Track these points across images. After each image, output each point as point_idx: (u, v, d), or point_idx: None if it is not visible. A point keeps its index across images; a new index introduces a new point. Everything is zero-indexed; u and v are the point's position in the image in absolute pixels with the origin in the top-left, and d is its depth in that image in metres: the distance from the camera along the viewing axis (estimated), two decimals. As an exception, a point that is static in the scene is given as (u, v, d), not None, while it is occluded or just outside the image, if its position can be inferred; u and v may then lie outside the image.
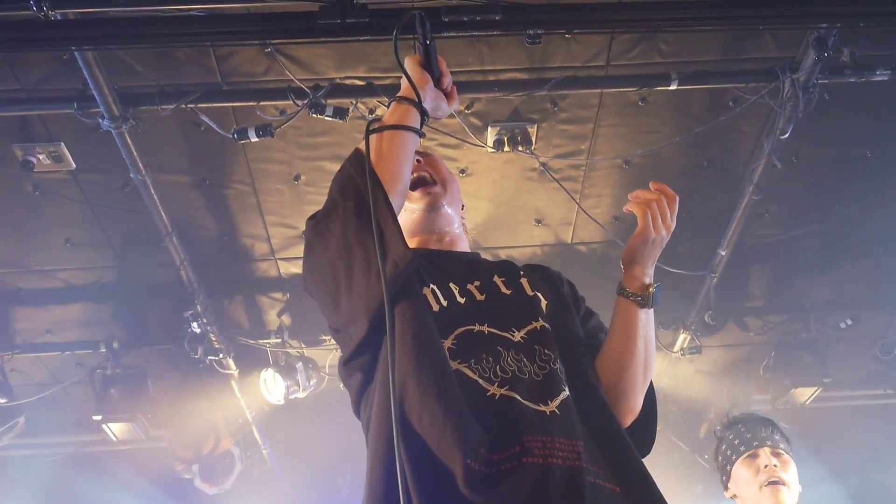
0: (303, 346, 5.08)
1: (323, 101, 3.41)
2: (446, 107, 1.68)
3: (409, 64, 1.62)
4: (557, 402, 1.36)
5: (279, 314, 4.95)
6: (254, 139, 3.50)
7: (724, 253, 4.34)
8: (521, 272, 1.65)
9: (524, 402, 1.34)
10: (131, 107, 3.43)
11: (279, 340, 5.00)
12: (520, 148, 3.78)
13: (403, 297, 1.41)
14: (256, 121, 3.55)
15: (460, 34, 3.24)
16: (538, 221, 4.30)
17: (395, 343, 1.37)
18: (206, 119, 3.52)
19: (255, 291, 4.82)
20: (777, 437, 2.76)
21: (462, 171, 4.03)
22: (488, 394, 1.35)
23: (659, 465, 1.46)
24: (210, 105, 3.51)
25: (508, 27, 3.00)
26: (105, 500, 5.82)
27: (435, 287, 1.52)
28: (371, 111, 3.63)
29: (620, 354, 1.54)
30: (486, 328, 1.46)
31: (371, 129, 1.52)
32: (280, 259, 4.57)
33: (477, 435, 1.27)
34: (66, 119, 3.56)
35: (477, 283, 1.57)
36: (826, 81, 3.47)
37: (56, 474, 5.63)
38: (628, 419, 1.57)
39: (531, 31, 3.03)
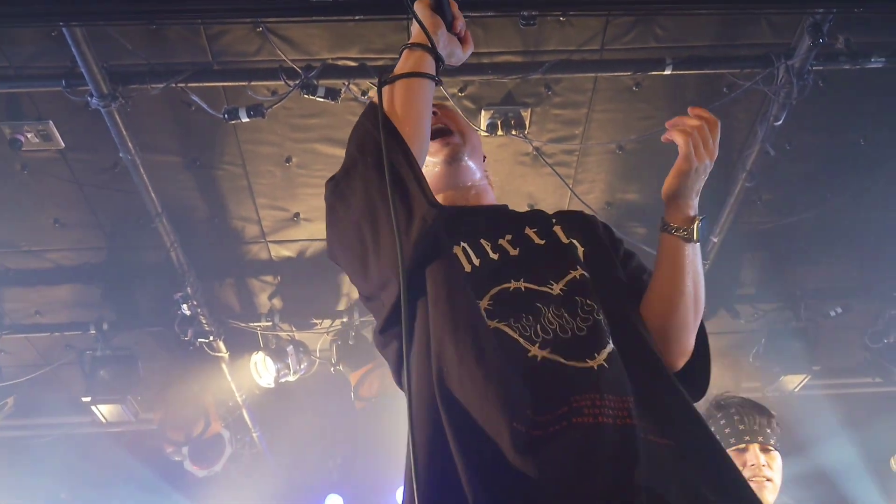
0: (293, 329, 5.08)
1: (315, 82, 3.39)
2: (461, 52, 1.59)
3: (420, 7, 1.52)
4: (604, 355, 1.29)
5: (270, 297, 4.94)
6: (244, 119, 3.47)
7: (716, 240, 4.35)
8: (554, 220, 1.57)
9: (568, 362, 1.27)
10: (121, 85, 3.39)
11: (270, 323, 4.99)
12: (513, 132, 3.76)
13: (434, 258, 1.34)
14: (247, 101, 3.51)
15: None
16: (531, 206, 4.29)
17: (429, 305, 1.30)
18: (196, 99, 3.49)
19: (246, 274, 4.80)
20: (769, 431, 2.75)
21: (455, 155, 4.00)
22: (529, 354, 1.28)
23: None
24: (201, 84, 3.47)
25: (502, 7, 2.97)
26: (95, 482, 5.83)
27: (466, 245, 1.45)
28: (364, 93, 3.60)
29: (668, 294, 1.46)
30: (522, 284, 1.38)
31: (384, 79, 1.45)
32: (271, 242, 4.55)
33: (522, 397, 1.21)
34: (54, 97, 3.52)
35: (508, 236, 1.49)
36: (821, 68, 3.46)
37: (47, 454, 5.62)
38: (680, 361, 1.49)
39: (525, 13, 3.01)
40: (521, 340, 1.29)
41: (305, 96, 3.43)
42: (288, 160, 4.00)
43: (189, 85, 3.44)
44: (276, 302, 4.99)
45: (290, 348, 4.99)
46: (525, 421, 1.19)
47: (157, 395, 5.13)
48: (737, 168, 4.01)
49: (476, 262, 1.43)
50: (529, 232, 1.52)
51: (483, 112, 3.74)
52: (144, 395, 5.02)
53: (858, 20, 3.39)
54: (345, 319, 5.04)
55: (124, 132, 3.57)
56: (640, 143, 3.99)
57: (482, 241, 1.47)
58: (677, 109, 3.98)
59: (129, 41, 3.34)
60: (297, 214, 4.36)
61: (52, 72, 3.43)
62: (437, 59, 1.49)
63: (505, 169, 4.11)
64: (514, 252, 1.46)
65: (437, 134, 1.64)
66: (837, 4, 3.14)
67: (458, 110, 1.81)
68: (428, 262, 1.33)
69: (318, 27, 3.37)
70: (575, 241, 1.51)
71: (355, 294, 4.98)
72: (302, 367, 5.06)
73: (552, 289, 1.38)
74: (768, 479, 2.59)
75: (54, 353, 5.09)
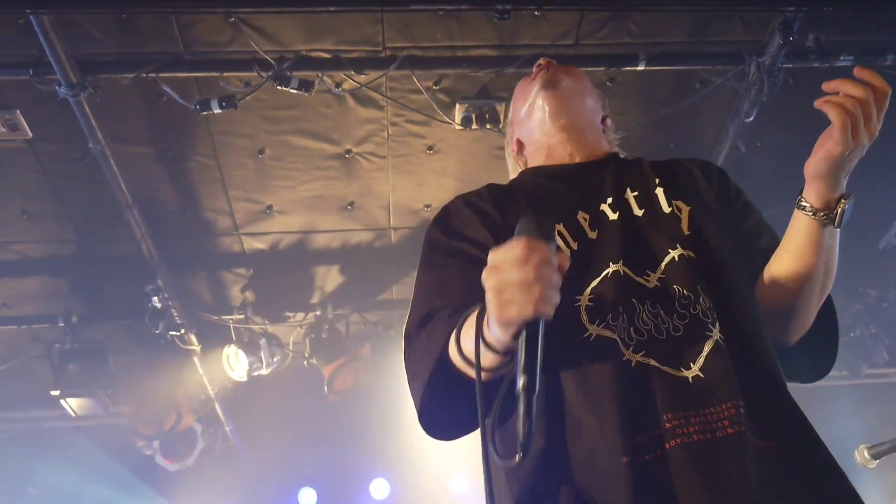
0: (266, 322, 5.05)
1: (288, 74, 3.36)
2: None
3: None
4: (702, 360, 1.19)
5: (242, 290, 4.90)
6: (217, 111, 3.43)
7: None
8: (658, 180, 1.42)
9: (662, 367, 1.18)
10: (90, 74, 3.34)
11: (242, 316, 4.96)
12: (488, 126, 3.76)
13: None
14: (220, 92, 3.47)
15: (429, 7, 3.21)
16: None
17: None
18: (167, 89, 3.44)
19: (218, 267, 4.76)
20: None
21: (429, 149, 4.00)
22: (624, 359, 1.19)
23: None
24: (172, 75, 3.43)
25: (478, 1, 2.97)
26: (65, 476, 5.76)
27: (562, 227, 1.33)
28: (338, 85, 3.58)
29: (794, 277, 1.31)
30: (621, 268, 1.28)
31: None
32: (244, 234, 4.51)
33: (619, 423, 1.15)
34: (22, 86, 3.45)
35: (609, 199, 1.38)
36: (791, 66, 3.51)
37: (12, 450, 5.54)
38: (794, 337, 1.38)
39: (500, 7, 3.01)
40: (619, 343, 1.21)
41: (279, 88, 3.39)
42: (261, 152, 3.97)
43: (160, 75, 3.40)
44: (249, 295, 4.96)
45: (262, 341, 4.96)
46: (622, 448, 1.13)
47: (128, 388, 5.06)
48: (708, 164, 4.05)
49: (574, 245, 1.33)
50: (630, 196, 1.39)
51: (458, 105, 3.73)
52: (115, 389, 4.95)
53: (828, 19, 3.43)
54: (318, 312, 5.02)
55: (93, 122, 3.51)
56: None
57: (580, 214, 1.36)
58: (650, 105, 4.03)
59: (99, 30, 3.28)
60: (270, 206, 4.32)
61: (19, 60, 3.36)
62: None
63: (480, 163, 4.12)
64: (613, 217, 1.35)
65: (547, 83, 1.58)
66: (808, 3, 3.18)
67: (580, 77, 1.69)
68: None
69: (292, 18, 3.34)
70: (678, 207, 1.37)
71: (329, 287, 4.96)
72: (275, 360, 5.03)
73: (648, 280, 1.27)
74: None
75: (22, 346, 5.01)
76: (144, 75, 3.36)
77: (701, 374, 1.18)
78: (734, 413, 1.14)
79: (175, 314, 4.68)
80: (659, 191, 1.39)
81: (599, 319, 1.23)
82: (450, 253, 1.38)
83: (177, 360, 5.07)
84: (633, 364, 1.19)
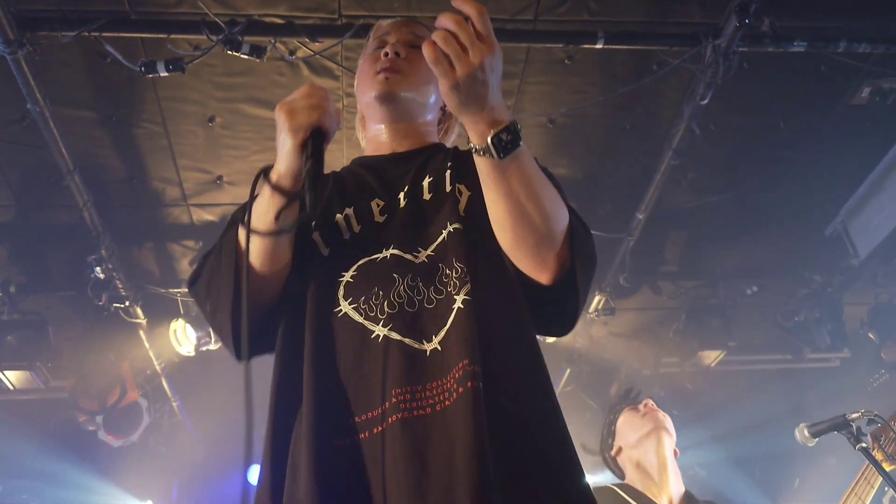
0: (216, 296, 4.93)
1: (239, 38, 3.25)
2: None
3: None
4: (443, 332, 1.23)
5: (191, 262, 4.77)
6: (163, 73, 3.30)
7: (641, 216, 4.42)
8: (450, 164, 1.44)
9: (404, 339, 1.24)
10: (29, 31, 3.18)
11: (191, 290, 4.83)
12: (444, 100, 3.71)
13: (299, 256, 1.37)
14: (167, 55, 3.35)
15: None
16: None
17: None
18: (111, 50, 3.30)
19: (166, 238, 4.63)
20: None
21: (385, 122, 3.93)
22: (373, 335, 1.25)
23: (570, 423, 1.34)
24: (117, 35, 3.28)
25: (435, -30, 2.90)
26: (1, 451, 5.58)
27: (351, 211, 1.41)
28: (291, 52, 3.48)
29: (497, 219, 1.29)
30: (391, 251, 1.34)
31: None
32: (193, 205, 4.39)
33: (338, 404, 1.22)
34: (-45, 41, 3.28)
35: (406, 188, 1.43)
36: (745, 50, 3.52)
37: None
38: (544, 277, 1.31)
39: (458, -23, 2.94)
40: (365, 323, 1.27)
41: (229, 53, 3.28)
42: (211, 120, 3.85)
43: (104, 35, 3.25)
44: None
45: (211, 316, 4.84)
46: (340, 431, 1.19)
47: (70, 362, 4.92)
48: (664, 146, 4.08)
49: (356, 228, 1.40)
50: (425, 183, 1.44)
51: (414, 78, 3.67)
52: (56, 362, 4.80)
53: (783, 4, 3.46)
54: (269, 287, 4.92)
55: (32, 82, 3.35)
56: (570, 117, 4.00)
57: (375, 201, 1.43)
58: (608, 84, 4.01)
59: (39, -16, 3.13)
60: (220, 177, 4.21)
61: (-49, 13, 3.19)
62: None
63: (436, 138, 4.06)
64: (401, 208, 1.41)
65: (381, 69, 1.55)
66: (764, -14, 3.19)
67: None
68: (300, 265, 1.36)
69: (244, -20, 3.23)
70: (460, 190, 1.39)
71: (281, 262, 4.87)
72: (224, 335, 4.92)
73: (417, 256, 1.33)
74: (665, 417, 2.78)
75: (-43, 316, 4.82)
76: (87, 34, 3.21)
77: (438, 347, 1.22)
78: (463, 374, 1.16)
79: (119, 286, 4.55)
80: (447, 174, 1.43)
81: (353, 298, 1.30)
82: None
83: (121, 333, 4.94)
84: (379, 339, 1.24)
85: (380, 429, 1.17)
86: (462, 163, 1.45)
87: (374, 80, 1.54)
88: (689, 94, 3.80)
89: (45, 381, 4.79)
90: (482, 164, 1.23)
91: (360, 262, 1.34)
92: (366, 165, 1.57)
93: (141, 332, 5.02)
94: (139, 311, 4.82)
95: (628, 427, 2.81)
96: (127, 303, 4.63)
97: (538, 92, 3.87)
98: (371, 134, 1.62)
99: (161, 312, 4.94)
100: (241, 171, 4.18)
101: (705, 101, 3.65)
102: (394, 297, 1.28)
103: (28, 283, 4.66)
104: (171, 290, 4.85)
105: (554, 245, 1.29)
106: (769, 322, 5.39)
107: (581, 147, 4.21)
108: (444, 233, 1.34)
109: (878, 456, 2.56)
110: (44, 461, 5.68)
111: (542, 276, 1.32)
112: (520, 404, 1.21)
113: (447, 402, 1.16)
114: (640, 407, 2.87)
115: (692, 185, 4.49)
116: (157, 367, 5.39)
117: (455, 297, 1.26)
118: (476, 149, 1.20)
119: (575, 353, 5.82)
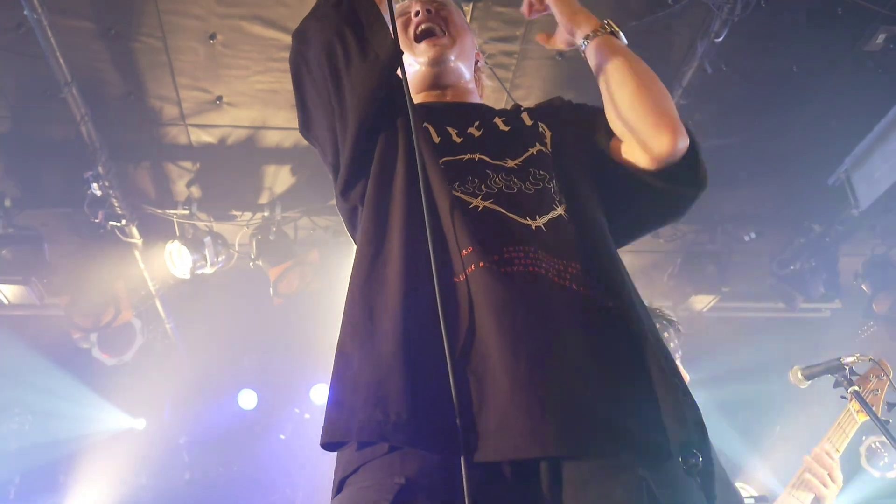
0: (212, 219, 4.91)
1: (245, -51, 3.14)
2: None
3: None
4: (546, 219, 1.30)
5: (188, 184, 4.73)
6: (165, -17, 3.20)
7: (645, 157, 4.37)
8: (524, 110, 1.58)
9: (509, 213, 1.29)
10: (25, -69, 3.07)
11: (187, 212, 4.80)
12: (453, 26, 3.62)
13: (397, 115, 1.39)
14: (169, -36, 3.24)
15: None
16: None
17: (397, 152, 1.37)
18: (112, -44, 3.19)
19: (163, 158, 4.57)
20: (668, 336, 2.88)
21: (391, 47, 3.84)
22: (470, 206, 1.30)
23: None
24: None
25: None
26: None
27: (430, 126, 1.45)
28: (297, -32, 3.37)
29: (622, 99, 1.40)
30: (477, 156, 1.40)
31: None
32: (191, 125, 4.32)
33: (455, 243, 1.24)
34: (-52, -61, 3.16)
35: (476, 123, 1.49)
36: (765, -13, 3.43)
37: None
38: (665, 151, 1.37)
39: None
40: (462, 196, 1.31)
41: (234, -35, 3.18)
42: (212, 37, 3.75)
43: (104, -61, 3.14)
44: (195, 190, 4.80)
45: (207, 239, 4.83)
46: (452, 267, 1.21)
47: (65, 279, 4.91)
48: (673, 84, 4.01)
49: (437, 139, 1.44)
50: (498, 121, 1.52)
51: (423, 2, 3.57)
52: (51, 279, 4.79)
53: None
54: (266, 214, 4.90)
55: (29, -13, 3.25)
56: (580, 52, 3.91)
57: (448, 128, 1.47)
58: (621, 17, 3.91)
59: None
60: (220, 98, 4.13)
61: None
62: None
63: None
64: (477, 135, 1.47)
65: (425, 35, 1.61)
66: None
67: (457, 7, 1.71)
68: (393, 116, 1.38)
69: None
70: (542, 123, 1.51)
71: (278, 188, 4.83)
72: (219, 259, 4.92)
73: (507, 163, 1.39)
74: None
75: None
76: (86, -62, 3.10)
77: (544, 228, 1.29)
78: (576, 273, 1.24)
79: (116, 204, 4.51)
80: (524, 114, 1.55)
81: (449, 180, 1.32)
82: None
83: (117, 252, 4.92)
84: (479, 209, 1.30)
85: (505, 270, 1.21)
86: (533, 109, 1.57)
87: (419, 47, 1.61)
88: (704, 31, 3.71)
89: (40, 296, 4.79)
90: (606, 47, 1.45)
91: (449, 159, 1.39)
92: (427, 107, 1.58)
93: (136, 253, 5.01)
94: (135, 230, 4.79)
95: None
96: (123, 221, 4.60)
97: (549, 22, 3.76)
98: (417, 99, 1.64)
99: (156, 233, 4.92)
100: (241, 93, 4.10)
101: (720, 39, 3.57)
102: (490, 182, 1.34)
103: (23, 198, 4.61)
104: (168, 212, 4.82)
105: (674, 120, 1.38)
106: (764, 270, 5.41)
107: (589, 83, 4.08)
108: (532, 150, 1.43)
109: (854, 406, 2.58)
110: (37, 376, 5.74)
111: (662, 154, 1.38)
112: (642, 318, 1.26)
113: (567, 282, 1.22)
114: None
115: (699, 126, 4.41)
116: (152, 289, 5.40)
117: (554, 199, 1.34)
118: (600, 32, 1.48)
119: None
